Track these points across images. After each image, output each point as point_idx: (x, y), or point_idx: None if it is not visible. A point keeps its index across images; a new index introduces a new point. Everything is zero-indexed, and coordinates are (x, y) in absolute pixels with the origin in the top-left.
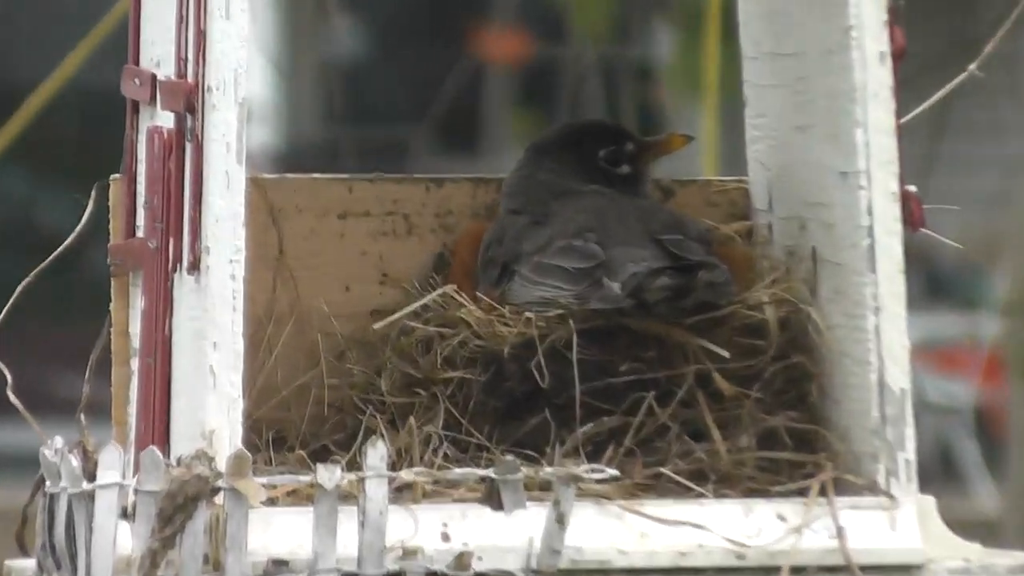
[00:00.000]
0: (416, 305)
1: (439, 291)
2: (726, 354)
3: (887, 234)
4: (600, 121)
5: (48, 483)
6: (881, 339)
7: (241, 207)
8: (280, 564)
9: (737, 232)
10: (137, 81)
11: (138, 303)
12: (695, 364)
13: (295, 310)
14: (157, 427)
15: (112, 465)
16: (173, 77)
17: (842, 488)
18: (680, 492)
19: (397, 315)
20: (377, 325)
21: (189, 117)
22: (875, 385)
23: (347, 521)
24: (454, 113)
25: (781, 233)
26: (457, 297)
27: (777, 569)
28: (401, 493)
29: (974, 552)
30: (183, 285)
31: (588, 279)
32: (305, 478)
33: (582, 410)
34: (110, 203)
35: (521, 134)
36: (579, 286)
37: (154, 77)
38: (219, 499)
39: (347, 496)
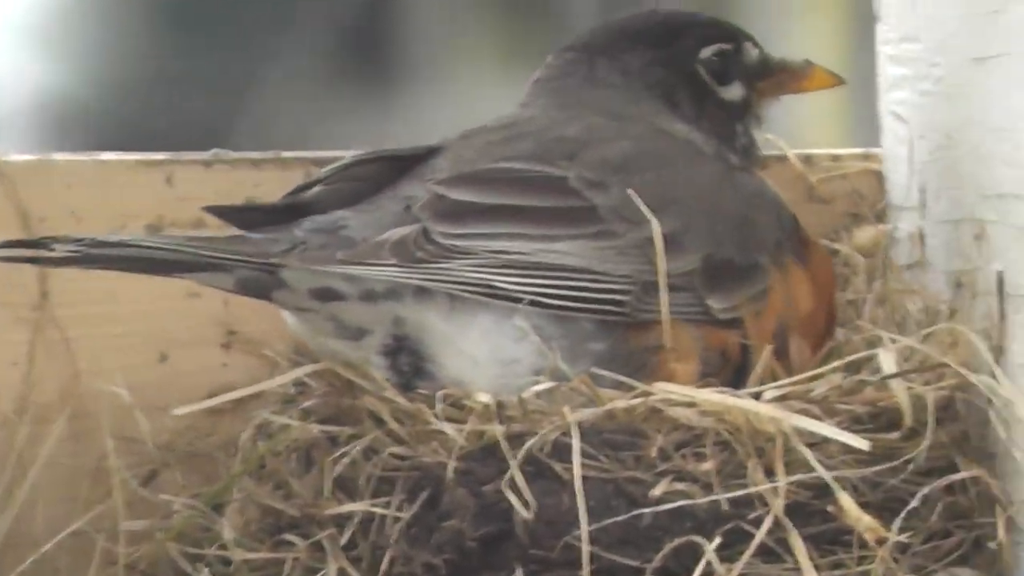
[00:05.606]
0: (285, 379)
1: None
2: (864, 444)
3: None
4: (702, 15)
5: None
6: None
7: None
8: None
9: (861, 247)
10: None
11: None
12: (787, 476)
13: (68, 398)
14: None
15: None
16: None
17: None
18: None
19: (246, 393)
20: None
21: None
22: None
23: None
24: (355, 35)
25: (941, 248)
26: (361, 373)
27: None
28: None
29: None
30: None
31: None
32: None
33: (593, 567)
34: None
35: (475, 62)
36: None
37: None
38: None
39: None
